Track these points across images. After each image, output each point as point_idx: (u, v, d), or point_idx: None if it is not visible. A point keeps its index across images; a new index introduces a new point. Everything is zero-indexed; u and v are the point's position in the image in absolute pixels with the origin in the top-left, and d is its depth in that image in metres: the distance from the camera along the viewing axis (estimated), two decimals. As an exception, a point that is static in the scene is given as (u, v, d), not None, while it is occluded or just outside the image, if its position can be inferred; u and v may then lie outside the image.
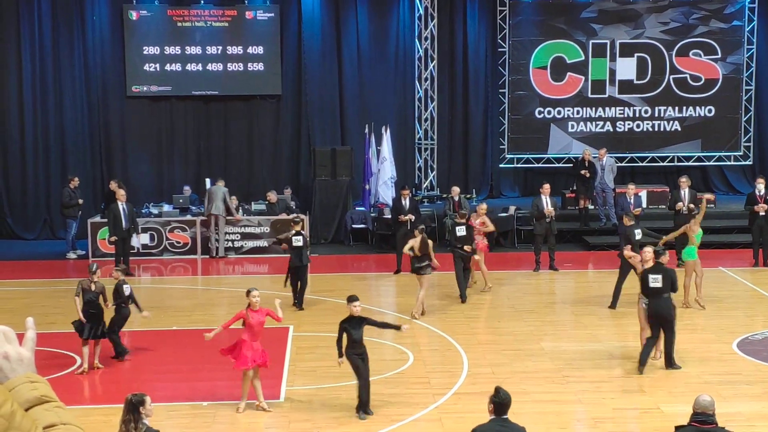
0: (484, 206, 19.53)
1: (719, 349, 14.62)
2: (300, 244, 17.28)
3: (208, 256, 22.38)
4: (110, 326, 14.16)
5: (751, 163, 26.64)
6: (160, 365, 14.25)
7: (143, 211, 23.07)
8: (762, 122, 26.76)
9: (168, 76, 25.29)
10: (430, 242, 16.76)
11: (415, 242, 16.70)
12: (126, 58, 25.18)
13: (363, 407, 12.05)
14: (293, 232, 17.47)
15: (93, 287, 14.01)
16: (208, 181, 23.74)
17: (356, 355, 12.11)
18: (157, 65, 25.23)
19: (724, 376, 13.30)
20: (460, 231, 17.86)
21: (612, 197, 23.18)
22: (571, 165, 24.62)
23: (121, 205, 20.62)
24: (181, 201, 23.80)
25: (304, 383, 12.96)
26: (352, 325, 12.09)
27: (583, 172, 23.23)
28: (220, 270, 21.65)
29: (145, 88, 25.31)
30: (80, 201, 22.84)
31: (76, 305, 14.05)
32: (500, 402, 8.30)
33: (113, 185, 22.05)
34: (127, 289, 14.22)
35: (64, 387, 12.87)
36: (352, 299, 12.30)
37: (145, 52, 25.15)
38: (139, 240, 22.08)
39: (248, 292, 12.47)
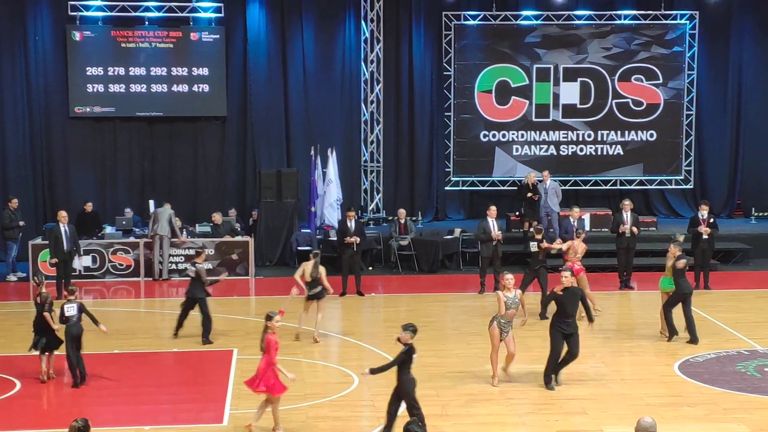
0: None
1: (661, 371, 14.75)
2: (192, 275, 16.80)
3: (151, 279, 22.17)
4: (65, 347, 13.95)
5: (692, 186, 27.04)
6: (101, 389, 14.05)
7: (85, 232, 22.80)
8: (702, 147, 27.18)
9: (112, 97, 25.08)
10: (322, 268, 16.51)
11: (307, 266, 16.49)
12: (69, 79, 24.94)
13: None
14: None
15: (39, 299, 13.90)
16: (152, 203, 23.54)
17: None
18: (101, 86, 25.01)
19: (665, 398, 13.42)
20: (533, 246, 18.33)
21: (557, 220, 23.38)
22: (516, 188, 24.82)
23: (63, 227, 20.38)
24: (124, 223, 23.60)
25: (249, 407, 12.84)
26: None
27: (530, 195, 23.46)
28: (164, 292, 21.45)
29: (88, 109, 25.07)
30: (21, 223, 22.56)
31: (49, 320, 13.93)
32: None
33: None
34: (69, 310, 13.95)
35: (4, 411, 12.65)
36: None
37: (88, 73, 24.92)
38: (81, 262, 21.83)
39: (271, 317, 11.96)
